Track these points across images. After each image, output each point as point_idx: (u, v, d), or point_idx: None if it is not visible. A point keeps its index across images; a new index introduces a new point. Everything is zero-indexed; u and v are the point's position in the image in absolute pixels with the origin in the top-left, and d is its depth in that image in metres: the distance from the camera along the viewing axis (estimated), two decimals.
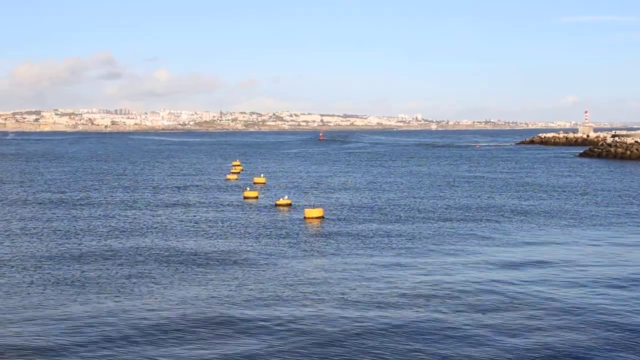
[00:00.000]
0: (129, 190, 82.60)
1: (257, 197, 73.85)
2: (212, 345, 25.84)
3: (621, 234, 50.04)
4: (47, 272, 37.71)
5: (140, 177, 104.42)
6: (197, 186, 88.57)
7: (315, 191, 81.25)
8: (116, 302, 31.50)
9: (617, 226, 53.67)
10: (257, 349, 25.38)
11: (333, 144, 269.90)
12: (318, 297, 32.21)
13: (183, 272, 37.62)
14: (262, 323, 28.27)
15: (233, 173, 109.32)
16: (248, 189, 78.73)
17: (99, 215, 60.76)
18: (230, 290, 33.50)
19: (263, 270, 37.93)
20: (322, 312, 29.90)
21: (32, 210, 63.90)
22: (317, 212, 57.98)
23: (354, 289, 33.67)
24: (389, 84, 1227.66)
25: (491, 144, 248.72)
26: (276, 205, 66.54)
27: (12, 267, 39.05)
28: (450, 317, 29.12)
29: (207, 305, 30.90)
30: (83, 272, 37.69)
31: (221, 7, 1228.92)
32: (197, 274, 37.08)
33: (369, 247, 44.85)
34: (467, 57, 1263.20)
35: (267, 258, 41.37)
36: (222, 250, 43.85)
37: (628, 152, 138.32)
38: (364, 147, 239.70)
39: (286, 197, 69.16)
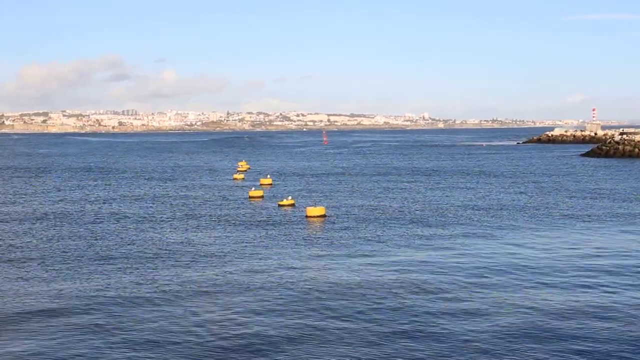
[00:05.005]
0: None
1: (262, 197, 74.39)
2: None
3: None
4: None
5: None
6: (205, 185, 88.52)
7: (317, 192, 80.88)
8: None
9: None
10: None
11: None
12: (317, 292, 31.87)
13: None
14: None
15: (240, 172, 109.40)
16: (254, 188, 78.85)
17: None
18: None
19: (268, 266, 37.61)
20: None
21: None
22: (319, 210, 57.64)
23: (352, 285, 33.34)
24: (397, 83, 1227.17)
25: (493, 143, 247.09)
26: (279, 205, 66.15)
27: None
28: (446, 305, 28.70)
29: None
30: (88, 266, 37.42)
31: (227, 8, 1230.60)
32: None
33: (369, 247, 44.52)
34: (475, 56, 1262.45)
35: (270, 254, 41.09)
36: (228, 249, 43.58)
37: (636, 149, 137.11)
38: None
39: (290, 197, 69.03)
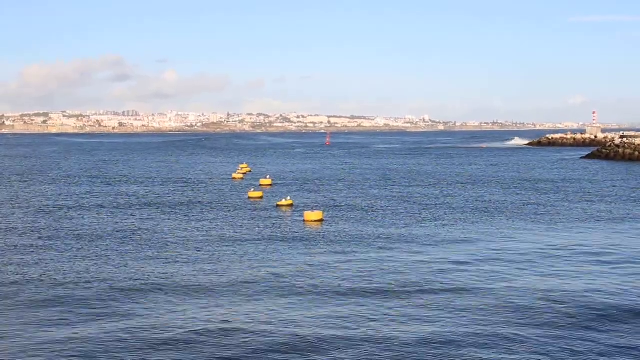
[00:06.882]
0: None
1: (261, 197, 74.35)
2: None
3: None
4: None
5: None
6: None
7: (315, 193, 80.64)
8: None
9: None
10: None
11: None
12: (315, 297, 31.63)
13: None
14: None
15: (239, 173, 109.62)
16: (253, 189, 78.82)
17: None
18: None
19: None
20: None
21: None
22: (317, 215, 57.12)
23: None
24: (397, 83, 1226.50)
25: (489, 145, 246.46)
26: (277, 205, 65.97)
27: None
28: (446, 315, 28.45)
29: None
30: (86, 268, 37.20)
31: (227, 8, 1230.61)
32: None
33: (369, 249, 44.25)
34: (475, 57, 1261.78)
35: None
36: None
37: (636, 153, 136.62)
38: None
39: (288, 197, 68.84)
